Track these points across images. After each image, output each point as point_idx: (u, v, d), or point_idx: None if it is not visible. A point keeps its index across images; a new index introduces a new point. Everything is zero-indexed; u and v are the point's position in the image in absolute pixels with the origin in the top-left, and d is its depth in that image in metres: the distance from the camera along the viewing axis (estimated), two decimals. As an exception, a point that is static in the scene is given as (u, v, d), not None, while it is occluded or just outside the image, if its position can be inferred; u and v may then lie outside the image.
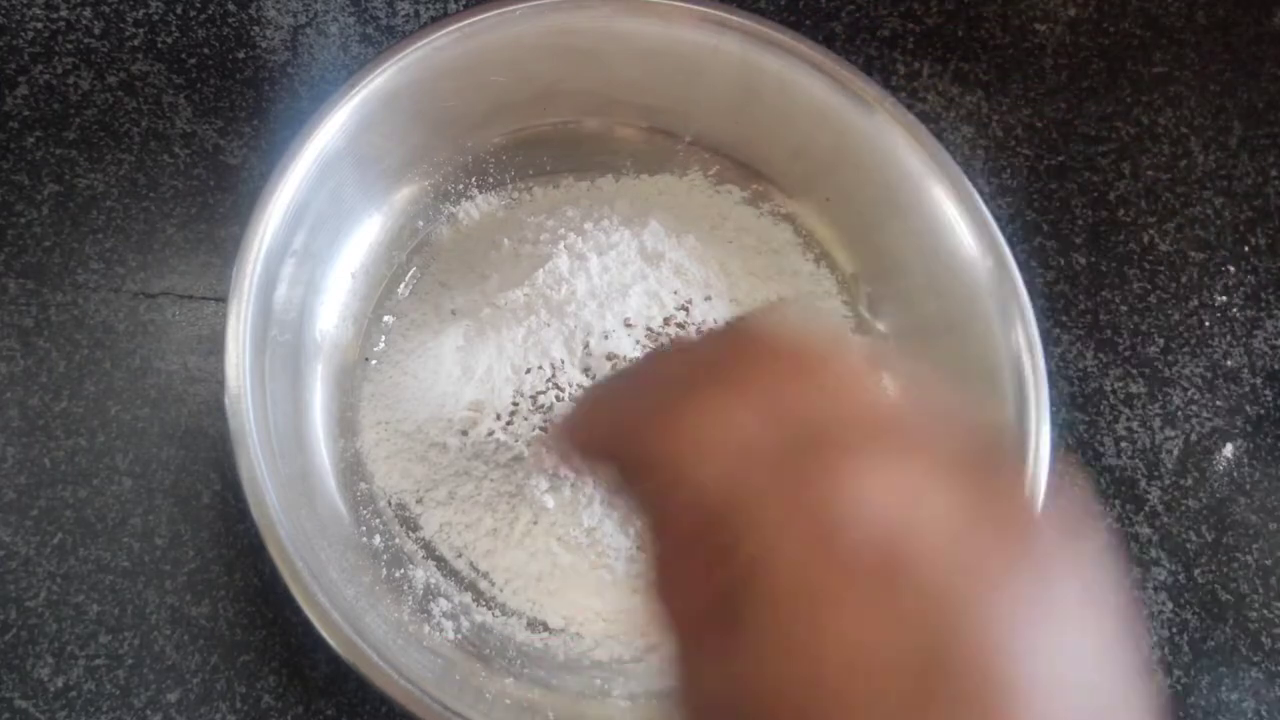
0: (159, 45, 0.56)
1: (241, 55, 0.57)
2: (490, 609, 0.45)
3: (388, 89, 0.47)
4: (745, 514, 0.21)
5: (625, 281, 0.49)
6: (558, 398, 0.46)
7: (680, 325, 0.49)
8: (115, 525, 0.46)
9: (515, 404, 0.46)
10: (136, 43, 0.56)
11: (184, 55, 0.56)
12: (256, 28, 0.58)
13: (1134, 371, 0.59)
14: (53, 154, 0.53)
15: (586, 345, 0.47)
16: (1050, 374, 0.48)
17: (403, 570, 0.45)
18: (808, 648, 0.19)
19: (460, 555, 0.46)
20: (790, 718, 0.19)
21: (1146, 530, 0.55)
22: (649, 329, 0.49)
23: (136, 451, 0.47)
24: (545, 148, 0.55)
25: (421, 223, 0.52)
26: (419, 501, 0.47)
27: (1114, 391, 0.58)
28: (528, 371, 0.47)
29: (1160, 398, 0.58)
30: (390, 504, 0.46)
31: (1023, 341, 0.47)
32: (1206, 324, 0.61)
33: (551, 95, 0.53)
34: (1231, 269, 0.63)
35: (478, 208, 0.54)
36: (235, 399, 0.40)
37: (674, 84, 0.53)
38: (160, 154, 0.54)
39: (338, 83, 0.46)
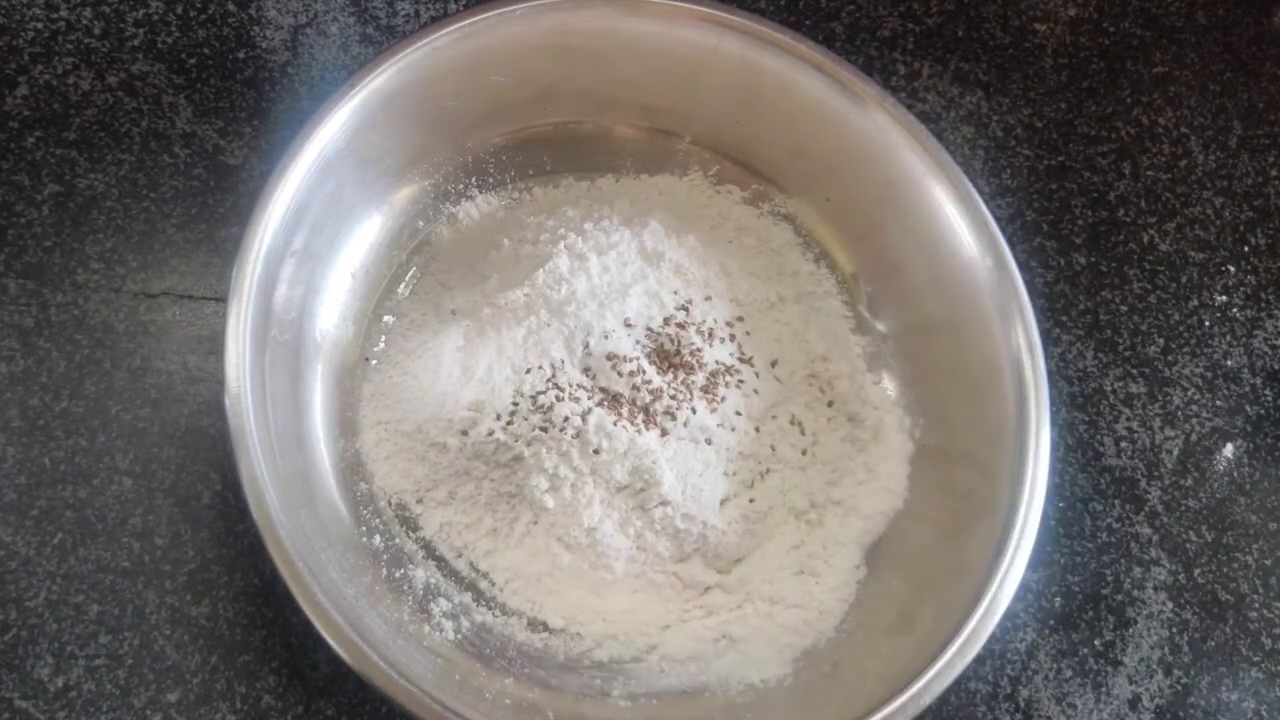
0: (159, 45, 0.56)
1: (242, 55, 0.57)
2: (490, 609, 0.45)
3: (388, 89, 0.47)
4: None
5: (625, 281, 0.49)
6: (557, 398, 0.46)
7: (680, 325, 0.49)
8: (115, 525, 0.46)
9: (515, 404, 0.46)
10: (136, 43, 0.56)
11: (184, 55, 0.56)
12: (256, 28, 0.58)
13: (1134, 371, 0.59)
14: (53, 154, 0.53)
15: (586, 345, 0.47)
16: (1050, 374, 0.48)
17: (403, 570, 0.45)
18: None
19: (460, 555, 0.46)
20: None
21: (1146, 530, 0.55)
22: (649, 329, 0.49)
23: (136, 451, 0.47)
24: (545, 148, 0.55)
25: (421, 223, 0.52)
26: (419, 501, 0.47)
27: (1114, 391, 0.58)
28: (528, 371, 0.47)
29: (1160, 398, 0.58)
30: (390, 504, 0.46)
31: (1023, 341, 0.47)
32: (1206, 324, 0.61)
33: (551, 95, 0.53)
34: (1231, 269, 0.63)
35: (478, 208, 0.54)
36: (235, 399, 0.40)
37: (674, 84, 0.53)
38: (160, 154, 0.54)
39: (338, 83, 0.46)
